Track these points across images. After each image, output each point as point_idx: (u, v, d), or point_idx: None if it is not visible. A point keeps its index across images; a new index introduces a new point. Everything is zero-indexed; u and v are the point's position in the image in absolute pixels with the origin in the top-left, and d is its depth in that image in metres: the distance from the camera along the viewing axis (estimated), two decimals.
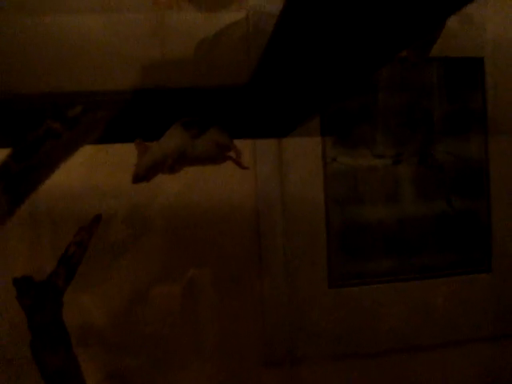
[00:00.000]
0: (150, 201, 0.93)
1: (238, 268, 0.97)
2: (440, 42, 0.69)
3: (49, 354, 0.60)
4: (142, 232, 0.94)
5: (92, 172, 0.80)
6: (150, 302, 0.94)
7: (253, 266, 0.97)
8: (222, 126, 0.68)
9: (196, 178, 0.92)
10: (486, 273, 1.02)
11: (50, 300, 0.61)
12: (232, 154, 0.70)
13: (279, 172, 0.95)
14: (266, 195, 0.95)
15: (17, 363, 0.84)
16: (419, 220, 1.00)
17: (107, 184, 0.87)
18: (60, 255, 0.63)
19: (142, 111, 0.65)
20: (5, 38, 0.54)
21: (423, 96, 1.00)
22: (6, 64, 0.57)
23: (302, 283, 0.97)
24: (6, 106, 0.57)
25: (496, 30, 1.01)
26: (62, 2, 0.53)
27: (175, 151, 0.64)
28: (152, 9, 0.64)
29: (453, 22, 0.99)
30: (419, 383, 1.01)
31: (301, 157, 0.96)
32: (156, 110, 0.66)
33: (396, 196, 1.00)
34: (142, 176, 0.63)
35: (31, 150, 0.48)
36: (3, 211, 0.46)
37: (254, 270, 0.97)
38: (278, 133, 0.88)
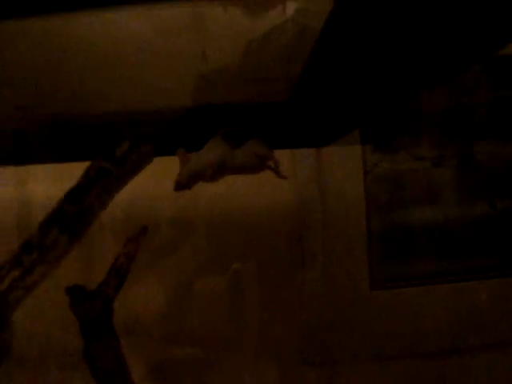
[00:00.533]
0: (195, 203, 0.95)
1: (280, 268, 0.98)
2: None
3: (99, 358, 0.64)
4: (188, 231, 0.97)
5: (140, 182, 0.83)
6: (195, 294, 0.97)
7: (293, 267, 0.98)
8: (261, 137, 0.70)
9: (240, 182, 0.94)
10: None
11: (101, 308, 0.64)
12: (271, 163, 0.72)
13: (319, 176, 0.96)
14: (306, 198, 0.97)
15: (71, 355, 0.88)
16: (461, 222, 0.99)
17: (154, 192, 0.90)
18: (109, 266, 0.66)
19: (185, 126, 0.67)
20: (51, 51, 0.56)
21: (465, 97, 0.98)
22: (61, 84, 0.60)
23: (342, 286, 0.98)
24: (71, 124, 0.60)
25: None
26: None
27: (215, 161, 0.68)
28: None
29: None
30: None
31: (341, 159, 0.96)
32: (199, 123, 0.68)
33: (437, 198, 0.99)
34: (183, 184, 0.68)
35: (83, 193, 0.51)
36: (65, 248, 0.50)
37: (295, 271, 0.99)
38: (319, 143, 0.89)
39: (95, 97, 0.62)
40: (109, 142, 0.59)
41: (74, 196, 0.51)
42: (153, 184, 0.86)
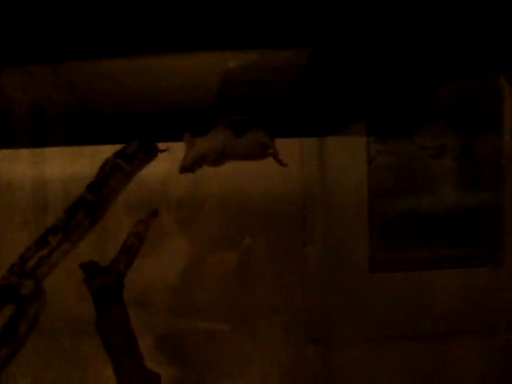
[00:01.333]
0: (207, 184, 0.99)
1: (284, 249, 1.02)
2: None
3: (110, 331, 0.68)
4: (200, 211, 1.00)
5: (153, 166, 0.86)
6: (206, 268, 1.01)
7: (297, 249, 1.02)
8: (265, 126, 0.73)
9: (249, 165, 0.96)
10: None
11: (113, 283, 0.68)
12: (272, 151, 0.75)
13: (323, 163, 0.99)
14: (310, 184, 1.00)
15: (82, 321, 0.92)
16: (460, 211, 1.01)
17: (167, 174, 0.94)
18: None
19: (192, 115, 0.70)
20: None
21: (467, 88, 0.99)
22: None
23: (343, 268, 1.02)
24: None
25: None
26: None
27: (218, 147, 0.71)
28: None
29: None
30: (456, 367, 1.03)
31: (345, 147, 0.99)
32: (207, 113, 0.71)
33: (438, 187, 1.02)
34: (188, 167, 0.72)
35: (101, 184, 0.62)
36: (86, 229, 0.60)
37: (298, 253, 1.02)
38: (324, 132, 0.91)
39: (113, 83, 0.66)
40: (123, 129, 0.69)
41: (93, 187, 0.62)
42: (166, 167, 0.89)
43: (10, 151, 0.93)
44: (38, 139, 0.80)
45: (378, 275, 1.02)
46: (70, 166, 0.95)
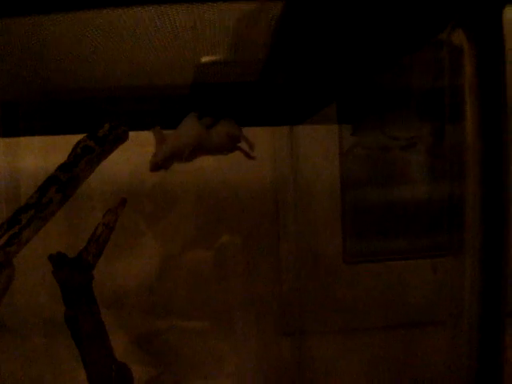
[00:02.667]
0: (180, 177, 0.98)
1: (259, 242, 1.02)
2: None
3: (79, 322, 0.67)
4: (174, 204, 0.99)
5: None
6: (182, 267, 1.00)
7: (271, 242, 1.02)
8: (233, 117, 0.72)
9: (222, 159, 0.96)
10: None
11: (81, 274, 0.68)
12: (243, 144, 0.74)
13: (295, 154, 1.00)
14: (282, 176, 1.00)
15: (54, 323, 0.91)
16: (431, 201, 1.02)
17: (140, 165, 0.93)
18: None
19: (163, 103, 0.70)
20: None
21: (440, 79, 1.01)
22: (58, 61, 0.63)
23: (316, 259, 1.03)
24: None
25: None
26: None
27: (192, 142, 0.69)
28: None
29: None
30: (426, 356, 1.04)
31: (317, 139, 0.99)
32: (175, 102, 0.70)
33: (409, 178, 1.03)
34: (159, 165, 0.70)
35: (73, 165, 0.65)
36: (57, 206, 0.63)
37: (273, 246, 1.02)
38: (295, 120, 0.92)
39: (84, 72, 0.66)
40: (94, 118, 0.71)
41: (65, 167, 0.65)
42: (139, 157, 0.89)
43: None
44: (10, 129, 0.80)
45: (351, 266, 1.03)
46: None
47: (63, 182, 0.63)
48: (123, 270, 0.97)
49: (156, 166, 0.70)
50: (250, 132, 0.92)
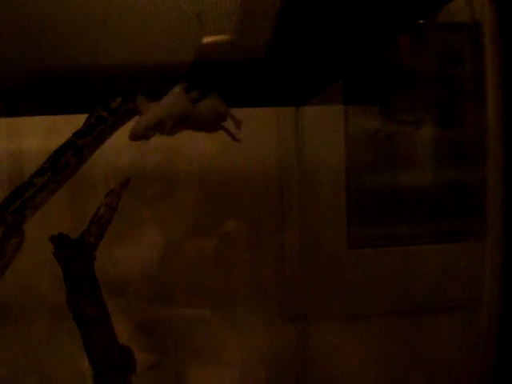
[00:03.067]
0: (182, 159, 0.97)
1: (263, 228, 1.01)
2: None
3: (81, 304, 0.67)
4: (175, 188, 0.98)
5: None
6: (184, 254, 0.99)
7: (275, 227, 1.01)
8: (222, 94, 0.69)
9: (225, 140, 0.95)
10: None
11: (83, 255, 0.67)
12: (229, 123, 0.70)
13: (300, 137, 0.98)
14: (287, 159, 0.99)
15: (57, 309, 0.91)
16: (439, 186, 1.01)
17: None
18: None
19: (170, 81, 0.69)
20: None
21: (448, 61, 0.99)
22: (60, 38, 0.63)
23: (321, 245, 1.01)
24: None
25: None
26: None
27: (177, 113, 0.66)
28: None
29: None
30: (432, 341, 1.04)
31: (322, 122, 0.98)
32: (180, 79, 0.69)
33: (416, 162, 1.01)
34: (140, 135, 0.65)
35: (87, 132, 0.68)
36: (72, 171, 0.66)
37: (277, 228, 1.01)
38: (299, 101, 0.91)
39: (88, 51, 0.66)
40: (102, 96, 0.72)
41: (81, 134, 0.68)
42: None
43: None
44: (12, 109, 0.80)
45: (356, 251, 1.02)
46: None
47: (79, 147, 0.66)
48: (124, 257, 0.96)
49: (136, 136, 0.66)
50: (253, 114, 0.91)
